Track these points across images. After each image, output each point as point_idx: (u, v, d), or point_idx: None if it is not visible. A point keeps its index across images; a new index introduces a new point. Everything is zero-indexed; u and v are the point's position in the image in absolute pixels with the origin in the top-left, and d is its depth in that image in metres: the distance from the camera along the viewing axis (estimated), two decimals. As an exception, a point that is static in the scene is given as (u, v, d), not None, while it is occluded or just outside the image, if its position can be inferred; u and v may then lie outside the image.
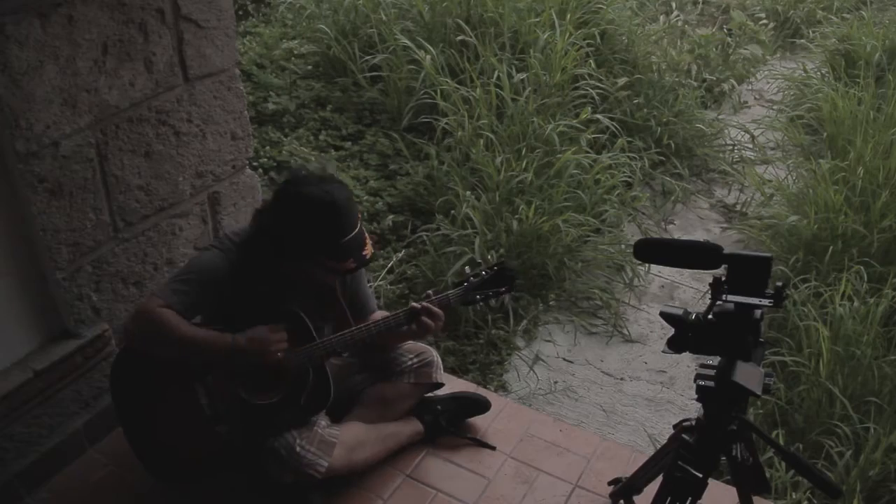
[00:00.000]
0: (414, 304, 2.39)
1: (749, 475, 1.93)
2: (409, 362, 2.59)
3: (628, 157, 4.69)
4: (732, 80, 6.04)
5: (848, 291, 3.60)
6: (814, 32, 6.71)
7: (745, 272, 1.70)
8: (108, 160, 2.45)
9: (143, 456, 2.39)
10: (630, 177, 4.64)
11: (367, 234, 2.27)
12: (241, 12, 5.90)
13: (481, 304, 2.54)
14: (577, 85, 4.94)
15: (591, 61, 5.07)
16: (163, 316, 2.16)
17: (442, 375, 2.65)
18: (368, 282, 3.71)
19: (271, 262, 2.29)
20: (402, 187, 4.36)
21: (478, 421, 2.74)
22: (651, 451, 2.76)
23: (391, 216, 4.19)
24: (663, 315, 1.80)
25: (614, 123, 4.83)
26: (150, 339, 2.20)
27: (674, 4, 6.70)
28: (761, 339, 1.76)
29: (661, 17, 6.35)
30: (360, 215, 2.29)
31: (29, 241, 2.36)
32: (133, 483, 2.48)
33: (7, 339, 2.41)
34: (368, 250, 2.25)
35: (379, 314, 2.54)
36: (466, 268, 2.61)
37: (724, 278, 1.72)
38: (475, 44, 4.92)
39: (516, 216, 3.97)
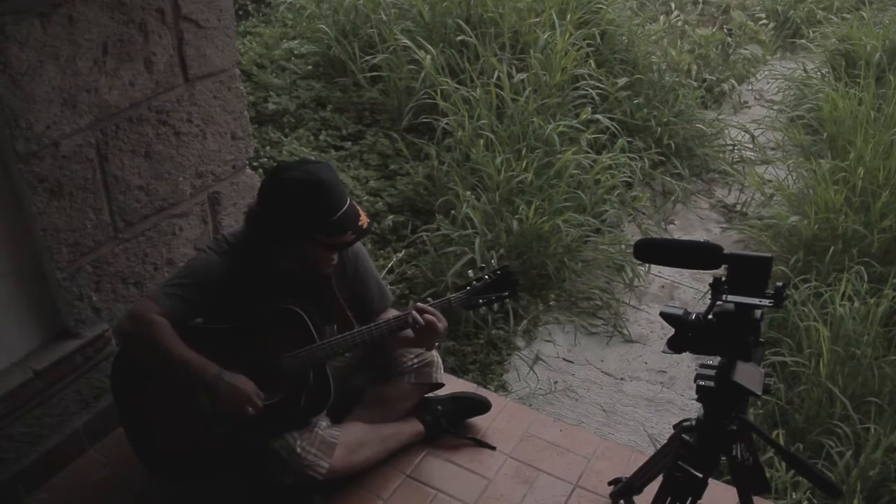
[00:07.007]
0: (419, 304, 2.39)
1: (749, 475, 1.93)
2: (410, 362, 2.59)
3: (628, 157, 4.69)
4: (732, 80, 6.03)
5: (848, 291, 3.60)
6: (814, 32, 6.70)
7: (745, 272, 1.69)
8: (108, 160, 2.45)
9: (143, 453, 2.39)
10: (630, 177, 4.63)
11: (357, 206, 2.26)
12: (241, 12, 5.90)
13: (484, 308, 2.54)
14: (577, 85, 4.94)
15: (591, 61, 5.07)
16: (156, 325, 2.17)
17: (442, 375, 2.64)
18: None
19: (269, 261, 2.28)
20: (402, 187, 4.36)
21: (478, 421, 2.74)
22: (651, 451, 2.76)
23: (391, 216, 4.19)
24: (663, 315, 1.79)
25: (614, 123, 4.83)
26: (140, 344, 2.21)
27: (674, 4, 6.70)
28: (761, 339, 1.76)
29: (661, 17, 6.35)
30: (348, 189, 2.28)
31: (29, 241, 2.36)
32: (133, 483, 2.48)
33: (7, 339, 2.41)
34: (364, 220, 2.24)
35: (391, 312, 2.53)
36: (470, 271, 2.61)
37: (724, 278, 1.72)
38: (475, 44, 4.92)
39: (516, 216, 3.97)
